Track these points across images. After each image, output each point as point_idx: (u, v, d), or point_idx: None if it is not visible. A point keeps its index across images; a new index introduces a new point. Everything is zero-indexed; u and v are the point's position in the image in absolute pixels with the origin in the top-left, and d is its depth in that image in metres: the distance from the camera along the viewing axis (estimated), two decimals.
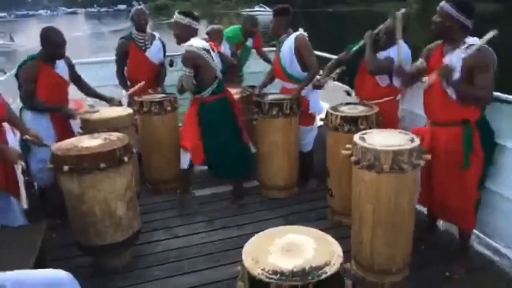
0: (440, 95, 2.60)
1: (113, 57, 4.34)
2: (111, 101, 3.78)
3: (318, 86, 3.67)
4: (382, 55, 3.24)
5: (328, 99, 4.10)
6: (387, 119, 3.23)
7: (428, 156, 2.45)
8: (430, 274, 2.73)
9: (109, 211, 2.60)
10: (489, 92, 2.48)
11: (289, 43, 3.63)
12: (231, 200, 3.77)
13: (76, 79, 3.62)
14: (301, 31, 3.68)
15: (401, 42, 2.98)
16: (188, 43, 3.27)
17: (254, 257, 1.57)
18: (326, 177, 3.47)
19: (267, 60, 5.07)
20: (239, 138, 3.57)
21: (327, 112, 3.33)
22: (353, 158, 2.47)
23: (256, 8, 47.32)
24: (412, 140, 2.45)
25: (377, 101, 3.36)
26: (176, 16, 3.36)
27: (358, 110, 3.28)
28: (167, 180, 3.95)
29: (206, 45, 3.34)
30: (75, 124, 3.49)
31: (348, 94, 4.09)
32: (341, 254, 1.59)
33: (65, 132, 3.31)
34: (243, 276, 1.55)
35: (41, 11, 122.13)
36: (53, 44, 3.22)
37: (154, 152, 3.88)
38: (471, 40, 2.52)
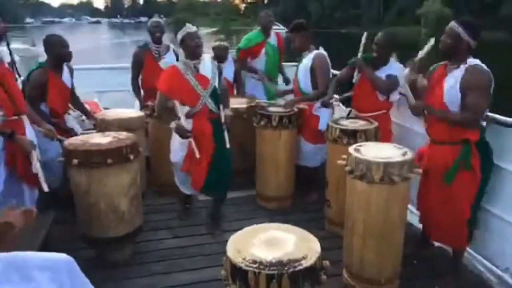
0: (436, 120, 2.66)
1: (124, 64, 4.50)
2: (89, 117, 3.84)
3: (326, 105, 3.72)
4: (384, 70, 3.44)
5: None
6: (381, 131, 3.36)
7: (420, 170, 2.50)
8: (419, 287, 2.74)
9: (113, 205, 2.72)
10: (477, 112, 2.51)
11: (307, 60, 3.74)
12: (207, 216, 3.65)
13: (72, 89, 3.75)
14: (321, 49, 3.78)
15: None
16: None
17: (237, 248, 1.66)
18: (325, 188, 3.52)
19: (281, 71, 5.05)
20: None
21: (328, 125, 3.41)
22: (347, 168, 2.54)
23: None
24: (404, 154, 2.50)
25: (372, 113, 3.49)
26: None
27: (357, 124, 3.35)
28: (173, 183, 4.06)
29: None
30: (78, 127, 3.68)
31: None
32: (319, 250, 1.66)
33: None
34: (226, 265, 1.63)
35: (66, 19, 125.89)
36: (57, 46, 3.39)
37: (163, 156, 3.99)
38: (472, 60, 2.57)
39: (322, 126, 3.74)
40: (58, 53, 3.42)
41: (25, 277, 1.72)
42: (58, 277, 1.84)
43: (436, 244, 3.16)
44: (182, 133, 3.05)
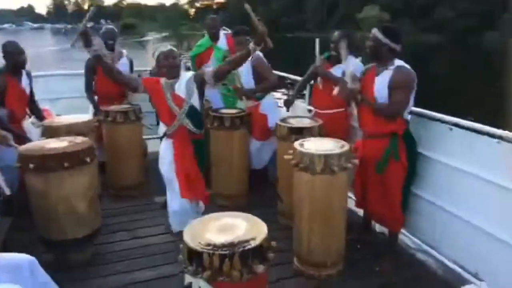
0: (369, 111, 2.94)
1: (78, 71, 4.50)
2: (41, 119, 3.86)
3: (288, 103, 3.90)
4: (340, 67, 3.63)
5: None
6: (337, 128, 3.56)
7: (356, 161, 2.78)
8: (362, 269, 2.98)
9: (71, 208, 2.78)
10: (401, 107, 2.80)
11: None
12: None
13: (30, 94, 3.78)
14: (258, 52, 3.97)
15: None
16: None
17: (193, 234, 1.82)
18: (276, 184, 3.72)
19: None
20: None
21: (276, 124, 3.62)
22: (293, 162, 2.76)
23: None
24: (342, 147, 2.76)
25: (329, 111, 3.71)
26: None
27: (304, 123, 3.59)
28: (129, 186, 4.12)
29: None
30: (35, 133, 3.66)
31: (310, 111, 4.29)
32: (266, 232, 1.86)
33: None
34: (183, 250, 1.78)
35: (5, 25, 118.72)
36: (13, 53, 3.45)
37: (118, 159, 4.05)
38: (398, 62, 2.86)
39: (271, 123, 3.92)
40: (15, 59, 3.46)
41: None
42: (20, 277, 1.90)
43: (378, 230, 3.47)
44: None
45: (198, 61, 4.68)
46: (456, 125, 2.82)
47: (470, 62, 24.20)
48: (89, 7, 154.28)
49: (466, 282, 2.74)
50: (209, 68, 3.06)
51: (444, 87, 15.27)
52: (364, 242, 3.29)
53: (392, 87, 2.79)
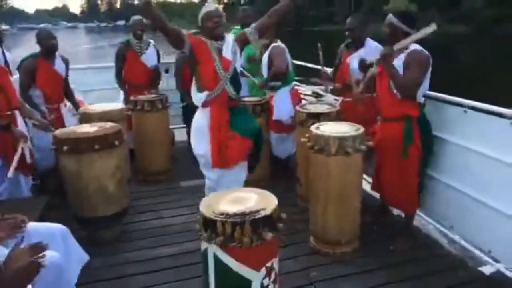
0: (387, 95, 2.96)
1: (104, 64, 4.71)
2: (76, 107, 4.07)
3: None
4: (359, 54, 3.57)
5: None
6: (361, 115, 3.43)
7: (370, 143, 2.83)
8: (377, 248, 3.04)
9: (101, 187, 2.97)
10: (413, 83, 2.78)
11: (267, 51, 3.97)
12: None
13: (66, 79, 3.99)
14: (279, 42, 4.00)
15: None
16: None
17: (208, 205, 1.95)
18: (296, 168, 3.81)
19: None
20: None
21: (296, 110, 3.70)
22: (308, 144, 2.85)
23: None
24: (357, 130, 2.82)
25: (350, 98, 3.63)
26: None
27: (321, 108, 3.65)
28: (156, 171, 4.31)
29: None
30: (72, 121, 3.89)
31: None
32: (276, 203, 1.96)
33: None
34: (200, 219, 1.92)
35: (42, 25, 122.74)
36: (45, 38, 3.68)
37: (146, 146, 4.24)
38: (413, 46, 2.87)
39: (276, 116, 3.91)
40: (47, 44, 3.68)
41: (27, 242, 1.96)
42: (53, 244, 2.09)
43: (395, 212, 3.50)
44: None
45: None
46: (471, 107, 2.83)
47: (498, 52, 23.40)
48: (121, 5, 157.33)
49: (481, 262, 2.76)
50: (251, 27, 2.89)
51: (472, 76, 14.90)
52: (381, 223, 3.35)
53: (406, 67, 2.81)
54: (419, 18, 3.13)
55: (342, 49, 3.85)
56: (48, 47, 3.71)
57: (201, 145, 2.91)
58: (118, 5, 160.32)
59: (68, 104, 4.03)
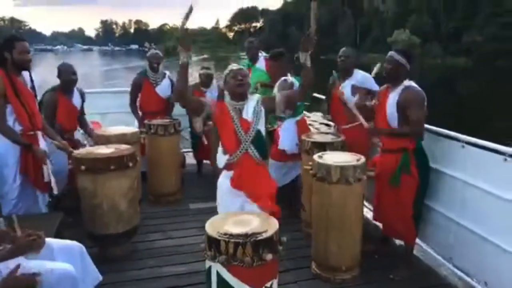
0: (386, 127, 3.07)
1: (122, 89, 4.90)
2: (91, 137, 4.16)
3: None
4: (350, 81, 3.76)
5: None
6: (358, 141, 3.57)
7: (371, 173, 2.93)
8: (377, 276, 3.08)
9: (114, 205, 3.09)
10: (418, 125, 2.92)
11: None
12: None
13: (81, 110, 4.16)
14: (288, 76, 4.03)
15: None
16: None
17: (213, 226, 2.07)
18: (300, 194, 3.87)
19: None
20: None
21: (301, 138, 3.80)
22: (311, 172, 2.95)
23: None
24: (358, 160, 2.92)
25: (349, 125, 3.73)
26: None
27: (326, 138, 3.74)
28: (167, 193, 4.41)
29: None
30: (88, 140, 4.05)
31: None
32: (277, 227, 2.07)
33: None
34: (205, 239, 2.04)
35: (58, 47, 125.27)
36: (65, 73, 3.84)
37: (158, 168, 4.36)
38: (407, 82, 2.99)
39: (281, 145, 3.94)
40: (67, 78, 3.85)
41: (49, 255, 2.06)
42: (72, 259, 2.19)
43: (397, 243, 3.53)
44: None
45: None
46: (468, 142, 2.92)
47: (499, 84, 23.68)
48: (135, 30, 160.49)
49: None
50: (280, 94, 2.75)
51: (471, 108, 15.04)
52: (382, 252, 3.38)
53: (405, 106, 2.92)
54: (422, 50, 3.29)
55: (334, 78, 3.94)
56: (68, 82, 3.88)
57: (221, 208, 2.75)
58: (132, 30, 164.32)
59: (80, 130, 4.20)
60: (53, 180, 3.07)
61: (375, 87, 3.68)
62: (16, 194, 3.04)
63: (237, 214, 2.23)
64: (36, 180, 3.10)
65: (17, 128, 3.03)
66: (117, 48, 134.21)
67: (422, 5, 51.66)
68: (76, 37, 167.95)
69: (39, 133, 3.19)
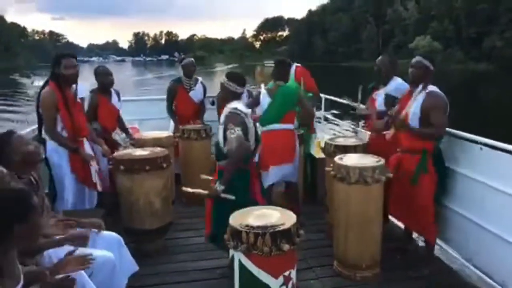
0: (407, 130, 3.09)
1: (159, 97, 5.13)
2: (128, 135, 4.30)
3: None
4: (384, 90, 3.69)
5: None
6: (383, 150, 3.39)
7: (390, 174, 2.95)
8: (397, 274, 3.09)
9: (149, 203, 3.26)
10: (442, 128, 2.96)
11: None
12: None
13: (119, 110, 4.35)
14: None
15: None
16: (232, 105, 2.88)
17: (236, 219, 2.20)
18: (325, 196, 3.89)
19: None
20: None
21: (325, 142, 3.85)
22: (332, 173, 3.01)
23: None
24: (378, 161, 2.96)
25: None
26: (224, 81, 2.98)
27: (349, 141, 3.78)
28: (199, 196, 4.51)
29: (248, 112, 2.97)
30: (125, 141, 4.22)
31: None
32: (295, 220, 2.18)
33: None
34: (228, 230, 2.18)
35: (94, 58, 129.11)
36: (101, 75, 4.04)
37: (190, 170, 4.47)
38: (431, 87, 3.02)
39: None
40: (104, 80, 4.06)
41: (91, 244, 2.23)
42: (112, 248, 2.40)
43: (420, 243, 3.51)
44: None
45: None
46: (486, 144, 2.91)
47: None
48: (165, 41, 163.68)
49: None
50: (234, 140, 2.71)
51: (493, 113, 14.60)
52: (403, 251, 3.38)
53: (428, 109, 2.95)
54: (444, 55, 3.31)
55: (373, 86, 3.89)
56: (106, 84, 4.09)
57: None
58: (163, 41, 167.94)
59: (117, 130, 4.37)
60: (97, 178, 3.30)
61: None
62: (69, 193, 3.26)
63: (258, 209, 2.35)
64: (85, 178, 3.32)
65: (64, 134, 3.25)
66: (148, 59, 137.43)
67: (444, 11, 50.66)
68: (110, 49, 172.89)
69: (85, 140, 3.42)
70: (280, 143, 3.67)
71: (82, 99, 3.48)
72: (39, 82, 29.71)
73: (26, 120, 18.19)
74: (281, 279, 2.10)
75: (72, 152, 3.25)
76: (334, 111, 4.63)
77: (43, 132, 3.29)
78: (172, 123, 4.91)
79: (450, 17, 50.14)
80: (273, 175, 3.69)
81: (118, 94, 4.27)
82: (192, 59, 5.01)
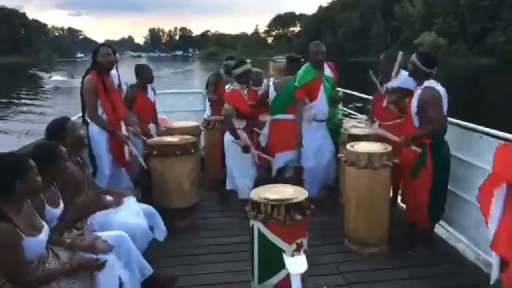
0: (409, 123, 3.20)
1: (188, 90, 5.26)
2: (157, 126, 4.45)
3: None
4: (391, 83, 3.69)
5: None
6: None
7: (396, 160, 3.11)
8: (402, 252, 3.20)
9: (179, 184, 3.54)
10: (441, 121, 3.01)
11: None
12: None
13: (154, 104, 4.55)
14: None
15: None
16: None
17: (256, 193, 2.46)
18: (338, 181, 4.04)
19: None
20: None
21: (340, 132, 3.99)
22: (343, 158, 3.21)
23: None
24: (386, 148, 3.14)
25: (388, 122, 3.67)
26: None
27: (362, 131, 3.89)
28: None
29: None
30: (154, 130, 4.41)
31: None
32: (306, 195, 2.43)
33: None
34: (249, 203, 2.43)
35: None
36: (143, 71, 4.26)
37: (213, 158, 4.59)
38: (427, 82, 3.04)
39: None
40: (148, 77, 4.28)
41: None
42: (153, 220, 2.74)
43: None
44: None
45: (305, 91, 3.93)
46: (486, 133, 3.04)
47: None
48: (180, 36, 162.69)
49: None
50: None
51: (496, 105, 14.53)
52: (408, 233, 3.43)
53: (422, 105, 3.01)
54: (448, 50, 3.33)
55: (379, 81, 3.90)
56: (148, 80, 4.30)
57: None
58: (177, 37, 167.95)
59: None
60: (139, 157, 3.51)
61: None
62: (107, 170, 3.47)
63: (276, 186, 2.61)
64: (120, 158, 3.53)
65: (104, 117, 3.47)
66: (163, 54, 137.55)
67: (449, 8, 50.04)
68: (126, 45, 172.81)
69: (122, 122, 3.63)
70: (283, 132, 3.97)
71: (120, 86, 3.67)
72: (56, 77, 29.84)
73: (44, 112, 18.70)
74: (294, 245, 2.35)
75: (110, 134, 3.46)
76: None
77: (86, 116, 3.51)
78: (208, 109, 4.91)
79: (455, 14, 49.55)
80: (278, 161, 4.00)
81: (153, 90, 4.47)
82: (234, 61, 4.38)
